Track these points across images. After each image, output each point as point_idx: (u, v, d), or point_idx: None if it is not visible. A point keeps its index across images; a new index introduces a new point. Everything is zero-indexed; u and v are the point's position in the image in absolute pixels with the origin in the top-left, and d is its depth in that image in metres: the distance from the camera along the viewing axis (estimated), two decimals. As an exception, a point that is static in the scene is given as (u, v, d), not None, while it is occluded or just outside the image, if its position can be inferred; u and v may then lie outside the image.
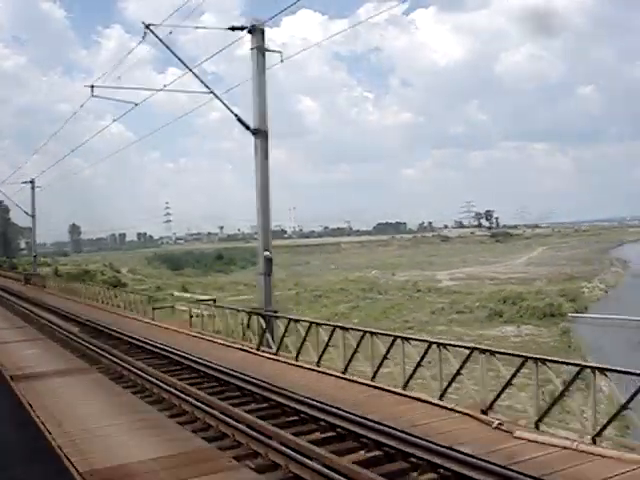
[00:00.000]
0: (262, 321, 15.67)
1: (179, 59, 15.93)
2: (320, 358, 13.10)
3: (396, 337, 11.58)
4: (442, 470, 6.90)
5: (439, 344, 10.45)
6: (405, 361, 11.02)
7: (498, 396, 9.42)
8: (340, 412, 8.79)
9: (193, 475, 6.73)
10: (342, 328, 12.97)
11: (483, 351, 9.77)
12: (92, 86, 20.28)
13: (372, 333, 11.95)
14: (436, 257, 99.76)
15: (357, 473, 6.56)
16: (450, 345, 10.58)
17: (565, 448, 7.60)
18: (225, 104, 15.24)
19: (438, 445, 7.27)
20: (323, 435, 8.53)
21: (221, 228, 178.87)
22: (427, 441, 7.42)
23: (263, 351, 15.10)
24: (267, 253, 16.48)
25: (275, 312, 16.23)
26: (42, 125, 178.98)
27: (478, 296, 46.08)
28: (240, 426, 8.52)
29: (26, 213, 46.81)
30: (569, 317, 42.43)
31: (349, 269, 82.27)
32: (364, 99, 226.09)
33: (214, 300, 20.30)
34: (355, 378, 11.83)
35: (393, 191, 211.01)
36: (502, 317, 38.72)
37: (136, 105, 20.43)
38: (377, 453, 7.74)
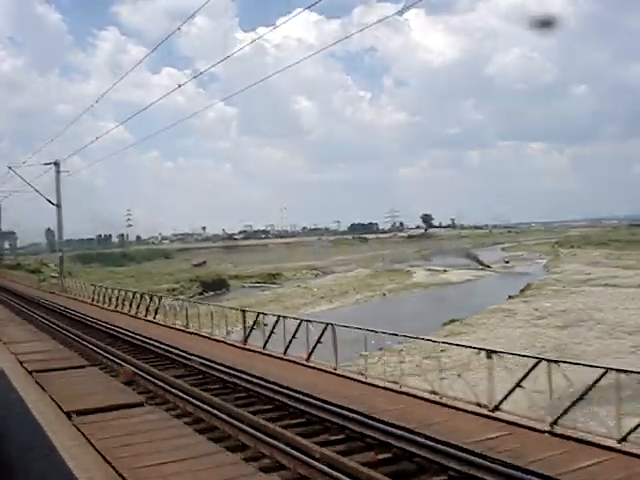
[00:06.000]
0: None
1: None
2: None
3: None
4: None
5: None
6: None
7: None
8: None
9: None
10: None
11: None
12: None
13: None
14: (322, 255, 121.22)
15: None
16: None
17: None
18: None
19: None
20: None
21: (204, 228, 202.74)
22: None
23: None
24: None
25: None
26: (40, 127, 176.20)
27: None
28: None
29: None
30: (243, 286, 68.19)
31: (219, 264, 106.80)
32: (360, 99, 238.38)
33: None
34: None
35: (390, 190, 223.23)
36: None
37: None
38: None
